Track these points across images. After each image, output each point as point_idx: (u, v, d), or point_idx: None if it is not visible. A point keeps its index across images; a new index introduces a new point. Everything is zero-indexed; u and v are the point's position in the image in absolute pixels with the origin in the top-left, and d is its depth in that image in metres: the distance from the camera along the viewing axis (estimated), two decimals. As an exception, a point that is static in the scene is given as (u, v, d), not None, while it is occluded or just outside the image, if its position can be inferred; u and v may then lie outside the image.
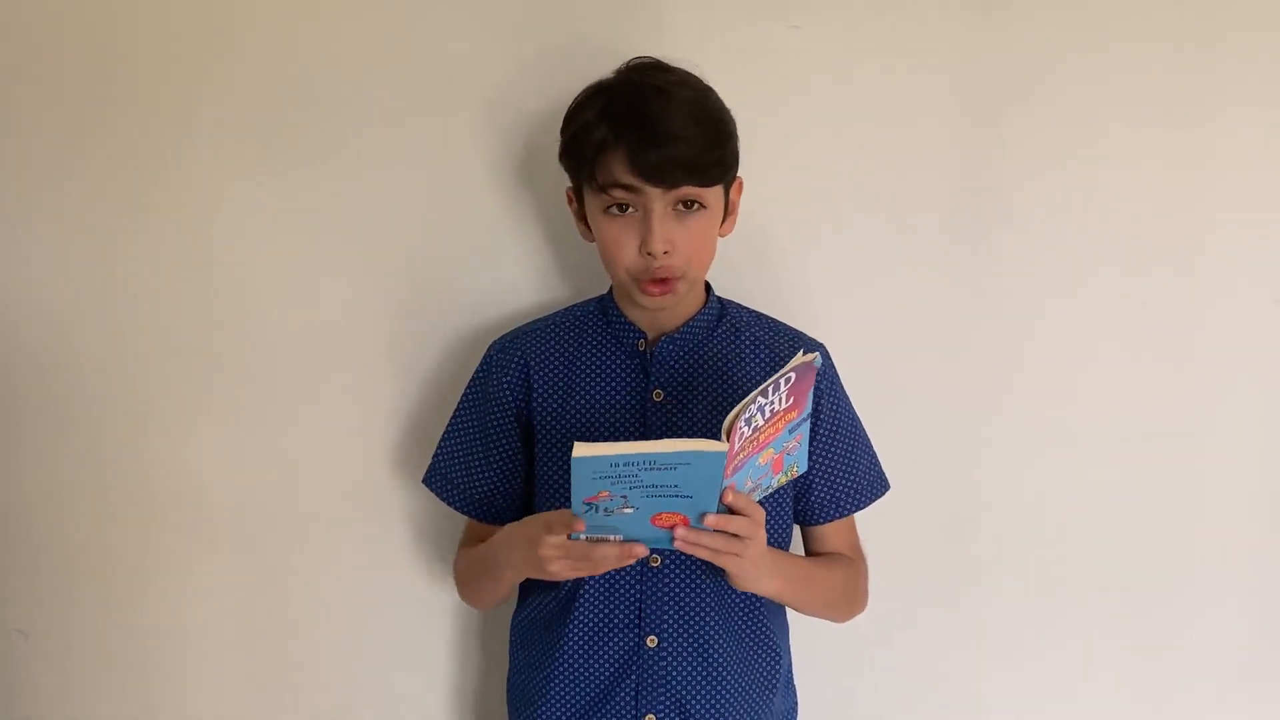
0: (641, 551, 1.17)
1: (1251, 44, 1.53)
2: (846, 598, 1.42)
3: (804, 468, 1.28)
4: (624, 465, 1.08)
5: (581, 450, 1.07)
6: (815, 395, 1.37)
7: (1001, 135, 1.55)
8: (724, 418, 1.10)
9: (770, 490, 1.25)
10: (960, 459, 1.60)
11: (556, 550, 1.18)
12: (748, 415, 1.11)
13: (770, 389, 1.12)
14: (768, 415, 1.14)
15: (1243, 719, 1.66)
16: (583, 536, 1.17)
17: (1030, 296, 1.58)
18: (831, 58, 1.53)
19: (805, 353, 1.15)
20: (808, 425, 1.23)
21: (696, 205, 1.28)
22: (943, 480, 1.60)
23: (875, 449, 1.45)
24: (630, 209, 1.28)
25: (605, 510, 1.13)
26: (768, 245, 1.55)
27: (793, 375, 1.14)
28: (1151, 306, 1.58)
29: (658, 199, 1.26)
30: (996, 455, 1.60)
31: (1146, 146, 1.55)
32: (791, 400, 1.16)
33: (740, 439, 1.11)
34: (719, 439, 1.10)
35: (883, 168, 1.55)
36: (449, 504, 1.44)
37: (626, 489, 1.10)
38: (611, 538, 1.17)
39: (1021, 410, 1.59)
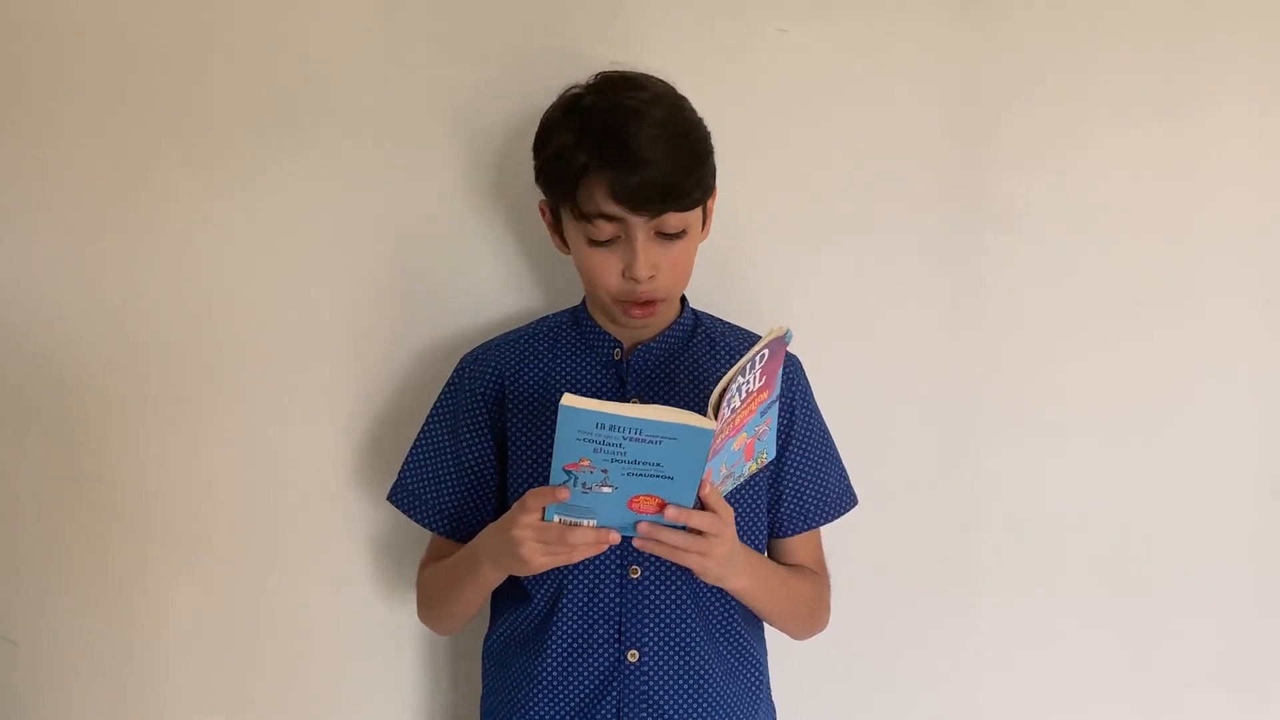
0: (616, 538, 1.14)
1: (1241, 43, 1.53)
2: (811, 611, 1.40)
3: (773, 454, 1.25)
4: (610, 429, 1.05)
5: (571, 400, 1.05)
6: (789, 406, 1.36)
7: (991, 137, 1.54)
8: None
9: (743, 479, 1.22)
10: (951, 461, 1.59)
11: (529, 531, 1.15)
12: (729, 396, 1.08)
13: (747, 367, 1.10)
14: (744, 396, 1.12)
15: (1236, 720, 1.65)
16: (556, 518, 1.14)
17: (1021, 297, 1.57)
18: (820, 61, 1.52)
19: (776, 330, 1.13)
20: (776, 408, 1.21)
21: (681, 233, 1.26)
22: (933, 483, 1.59)
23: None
24: (614, 239, 1.26)
25: (584, 486, 1.10)
26: (754, 251, 1.53)
27: (766, 353, 1.12)
28: (1142, 307, 1.57)
29: (640, 226, 1.24)
30: (987, 457, 1.59)
31: (1137, 147, 1.54)
32: (764, 380, 1.14)
33: (723, 420, 1.09)
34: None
35: (872, 171, 1.54)
36: (416, 519, 1.40)
37: (608, 461, 1.08)
38: (586, 522, 1.14)
39: (1012, 411, 1.58)
